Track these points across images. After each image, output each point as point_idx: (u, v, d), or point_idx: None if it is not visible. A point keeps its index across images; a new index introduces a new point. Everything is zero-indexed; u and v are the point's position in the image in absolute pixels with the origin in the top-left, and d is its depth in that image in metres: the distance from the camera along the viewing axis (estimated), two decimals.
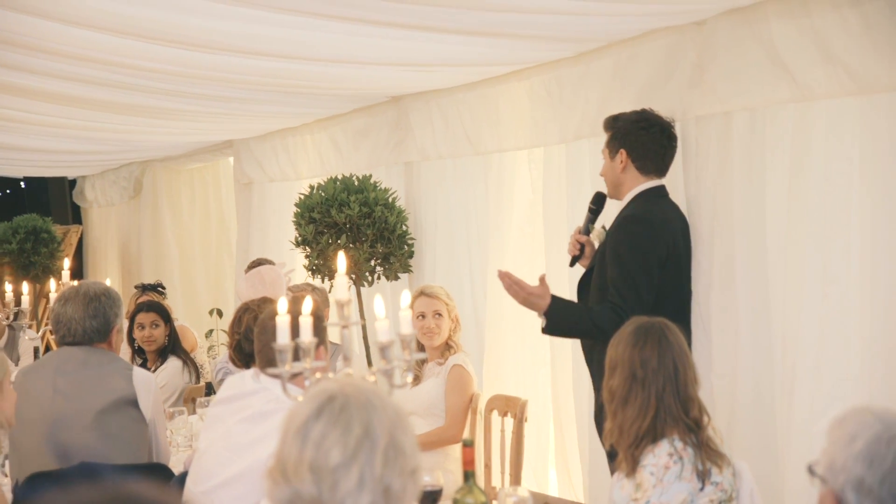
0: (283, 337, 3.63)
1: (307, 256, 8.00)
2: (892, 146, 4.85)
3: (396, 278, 7.98)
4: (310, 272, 8.01)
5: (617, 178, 5.57)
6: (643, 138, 5.50)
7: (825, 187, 5.09)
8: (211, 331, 12.05)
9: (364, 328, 7.76)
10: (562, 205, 6.83)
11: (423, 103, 8.07)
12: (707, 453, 4.05)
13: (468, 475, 3.99)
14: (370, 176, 8.04)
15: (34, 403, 5.11)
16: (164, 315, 8.07)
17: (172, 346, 8.05)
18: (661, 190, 5.57)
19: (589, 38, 6.24)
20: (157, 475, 5.01)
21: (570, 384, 6.74)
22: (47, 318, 6.38)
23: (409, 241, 8.00)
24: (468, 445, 4.00)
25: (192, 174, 13.28)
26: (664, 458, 4.01)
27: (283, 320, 3.65)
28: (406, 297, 3.75)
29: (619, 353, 4.12)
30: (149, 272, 12.72)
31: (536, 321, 7.32)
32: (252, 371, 4.69)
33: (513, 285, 5.46)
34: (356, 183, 7.91)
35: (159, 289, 9.21)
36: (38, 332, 9.45)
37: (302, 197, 8.03)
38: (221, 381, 6.66)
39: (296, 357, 3.68)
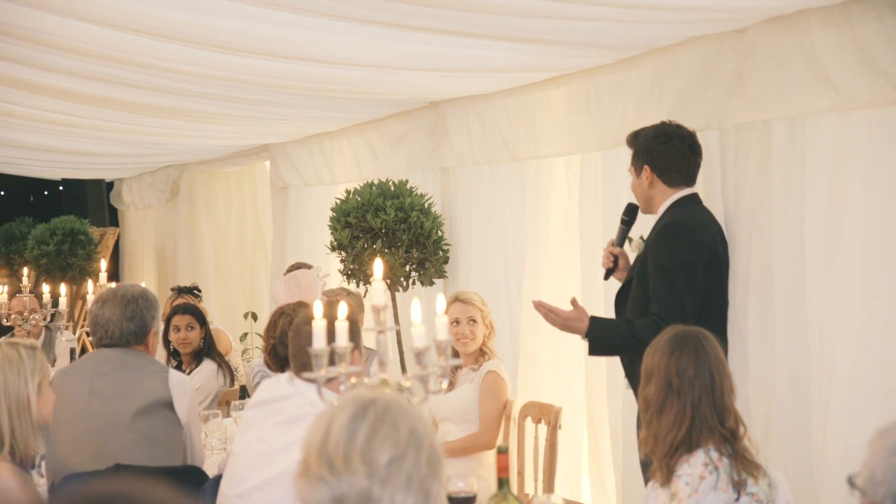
0: (318, 341, 3.63)
1: (342, 261, 8.01)
2: None
3: (431, 284, 7.97)
4: (345, 277, 8.02)
5: (646, 193, 5.57)
6: (665, 152, 5.49)
7: (865, 197, 5.04)
8: (245, 334, 12.08)
9: (399, 333, 7.76)
10: (598, 212, 6.81)
11: (460, 109, 8.06)
12: (743, 464, 4.02)
13: (502, 482, 3.99)
14: (406, 181, 8.04)
15: (71, 404, 5.14)
16: (200, 318, 8.10)
17: (207, 348, 8.08)
18: (695, 198, 5.55)
19: (628, 46, 6.22)
20: (191, 478, 5.02)
21: (604, 392, 6.72)
22: (84, 320, 6.41)
23: (445, 247, 8.00)
24: (502, 452, 3.99)
25: (229, 177, 13.33)
26: (699, 468, 3.98)
27: (318, 325, 3.64)
28: (441, 302, 3.74)
29: (656, 361, 4.10)
30: (184, 275, 12.77)
31: None
32: (287, 375, 4.69)
33: (548, 313, 5.48)
34: (392, 188, 7.91)
35: (195, 291, 9.24)
36: (74, 333, 9.52)
37: (338, 201, 8.04)
38: (258, 384, 6.67)
39: (331, 362, 3.68)
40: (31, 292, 8.65)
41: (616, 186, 6.62)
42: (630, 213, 5.75)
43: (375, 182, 8.02)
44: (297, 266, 7.79)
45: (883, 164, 5.01)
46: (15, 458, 4.27)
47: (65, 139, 10.77)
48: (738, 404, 4.18)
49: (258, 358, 7.29)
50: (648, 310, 5.33)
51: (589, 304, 6.71)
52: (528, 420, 6.55)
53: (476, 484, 4.21)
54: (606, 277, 5.85)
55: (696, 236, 5.37)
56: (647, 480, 4.42)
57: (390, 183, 7.97)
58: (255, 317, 12.08)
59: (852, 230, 5.07)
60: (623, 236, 5.77)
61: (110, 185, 15.26)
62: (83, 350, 10.11)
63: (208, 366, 7.99)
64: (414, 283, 7.97)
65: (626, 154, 6.39)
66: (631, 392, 5.54)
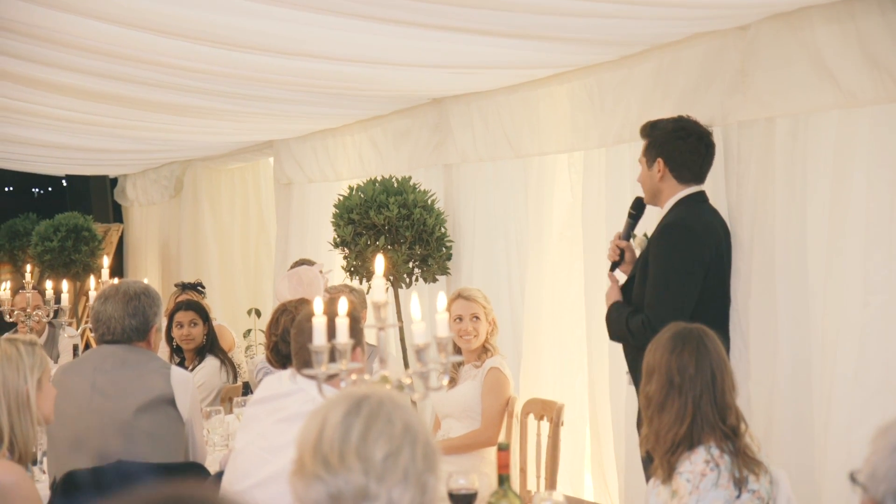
0: (319, 338, 3.62)
1: (345, 258, 8.01)
2: None
3: (434, 280, 7.97)
4: (348, 273, 8.02)
5: (655, 186, 5.55)
6: (681, 147, 5.46)
7: (867, 194, 5.04)
8: (249, 331, 12.09)
9: (401, 330, 7.76)
10: (601, 209, 6.81)
11: (463, 105, 8.06)
12: (744, 461, 4.01)
13: (503, 479, 3.98)
14: (409, 178, 8.04)
15: (72, 401, 5.14)
16: (203, 314, 8.10)
17: (210, 345, 8.08)
18: (702, 196, 5.53)
19: (631, 42, 6.21)
20: (192, 474, 5.01)
21: (606, 389, 6.72)
22: (87, 316, 6.42)
23: (448, 244, 8.00)
24: (503, 449, 3.99)
25: (233, 174, 13.34)
26: (701, 466, 3.98)
27: (319, 321, 3.64)
28: (442, 299, 3.73)
29: (657, 358, 4.09)
30: (188, 271, 12.78)
31: (574, 325, 7.35)
32: (289, 372, 4.69)
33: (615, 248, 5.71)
34: (395, 184, 7.91)
35: (199, 288, 9.24)
36: (77, 329, 9.53)
37: (341, 198, 8.05)
38: (261, 381, 6.68)
39: (332, 358, 3.67)
40: (34, 289, 8.66)
41: (619, 183, 6.62)
42: (638, 207, 5.73)
43: (378, 179, 8.02)
44: (302, 262, 7.79)
45: (885, 161, 5.01)
46: (14, 454, 4.26)
47: (69, 135, 10.78)
48: (739, 401, 4.18)
49: (261, 354, 7.29)
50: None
51: (592, 301, 6.76)
52: (531, 417, 6.55)
53: (477, 481, 4.21)
54: (612, 270, 5.85)
55: (698, 237, 5.36)
56: (648, 478, 4.42)
57: (393, 179, 7.97)
58: (258, 313, 12.09)
59: (855, 227, 5.07)
60: (630, 230, 5.76)
61: (114, 181, 15.28)
62: (87, 346, 10.12)
63: (211, 362, 7.99)
64: (417, 279, 7.97)
65: (630, 151, 6.40)
66: (633, 388, 5.54)
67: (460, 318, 6.61)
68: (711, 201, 5.66)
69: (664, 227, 5.45)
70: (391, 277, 7.88)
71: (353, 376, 3.67)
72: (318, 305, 3.73)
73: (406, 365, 7.60)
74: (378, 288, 3.74)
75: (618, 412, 6.54)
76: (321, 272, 7.20)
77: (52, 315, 8.27)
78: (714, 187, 5.80)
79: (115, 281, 5.79)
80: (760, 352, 5.45)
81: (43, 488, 5.09)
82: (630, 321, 5.40)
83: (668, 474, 4.07)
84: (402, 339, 7.90)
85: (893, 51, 4.76)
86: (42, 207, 15.27)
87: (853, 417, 5.00)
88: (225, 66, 7.03)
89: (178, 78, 7.50)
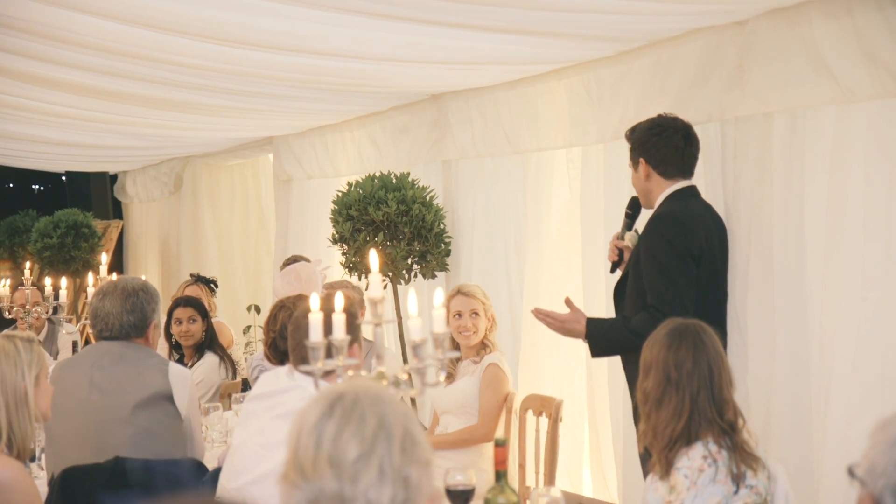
0: (315, 334, 3.62)
1: (344, 254, 8.01)
2: None
3: (433, 276, 7.98)
4: (346, 269, 8.02)
5: (644, 186, 5.57)
6: (659, 143, 5.49)
7: (865, 189, 5.04)
8: (249, 327, 12.09)
9: (401, 326, 7.76)
10: (599, 205, 6.81)
11: (462, 101, 8.06)
12: (742, 456, 4.01)
13: (500, 475, 3.98)
14: (408, 174, 8.04)
15: (70, 397, 5.14)
16: (202, 310, 8.10)
17: (209, 341, 8.08)
18: (692, 190, 5.54)
19: (629, 38, 6.21)
20: (191, 471, 5.02)
21: (605, 385, 6.72)
22: (86, 313, 6.43)
23: (447, 240, 8.00)
24: (500, 445, 3.99)
25: (232, 170, 13.35)
26: (698, 461, 3.98)
27: (315, 317, 3.64)
28: (440, 295, 3.73)
29: (654, 354, 4.09)
30: (188, 267, 12.77)
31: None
32: (286, 368, 4.69)
33: (546, 319, 5.51)
34: (394, 180, 7.91)
35: (212, 285, 9.26)
36: (79, 326, 9.53)
37: (340, 194, 8.04)
38: (257, 378, 6.68)
39: (329, 354, 3.67)
40: (33, 285, 8.66)
41: (617, 179, 6.62)
42: (634, 207, 5.76)
43: (377, 175, 8.02)
44: (294, 259, 7.79)
45: (883, 157, 5.01)
46: (13, 450, 4.27)
47: (69, 132, 10.78)
48: (738, 397, 4.18)
49: (261, 351, 7.29)
50: (645, 302, 5.33)
51: (591, 297, 6.74)
52: (530, 413, 6.55)
53: (475, 477, 4.20)
54: (612, 271, 5.86)
55: (686, 227, 5.36)
56: (646, 473, 4.42)
57: (392, 175, 7.97)
58: (258, 309, 12.09)
59: (852, 223, 5.07)
60: (627, 230, 5.77)
61: (114, 177, 15.27)
62: (86, 343, 10.12)
63: (210, 359, 7.99)
64: (416, 275, 7.97)
65: (627, 147, 6.40)
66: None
67: (459, 315, 6.61)
68: (710, 197, 5.67)
69: (652, 219, 5.47)
70: (390, 273, 7.88)
71: (350, 372, 3.67)
72: (315, 301, 3.73)
73: (405, 361, 7.61)
74: (374, 284, 3.74)
75: (616, 408, 6.54)
76: (318, 269, 7.20)
77: (51, 311, 8.28)
78: (711, 183, 5.81)
79: (114, 277, 5.79)
80: (758, 347, 5.45)
81: (41, 484, 5.09)
82: (629, 323, 5.36)
83: (666, 470, 4.07)
84: (402, 335, 7.90)
85: (891, 46, 4.76)
86: (42, 204, 15.27)
87: (851, 412, 5.00)
88: (224, 62, 7.03)
89: (177, 74, 7.50)
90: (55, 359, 8.66)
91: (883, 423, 2.67)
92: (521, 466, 6.58)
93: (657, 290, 5.28)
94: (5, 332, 4.88)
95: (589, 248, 6.92)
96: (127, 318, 5.31)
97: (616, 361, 5.98)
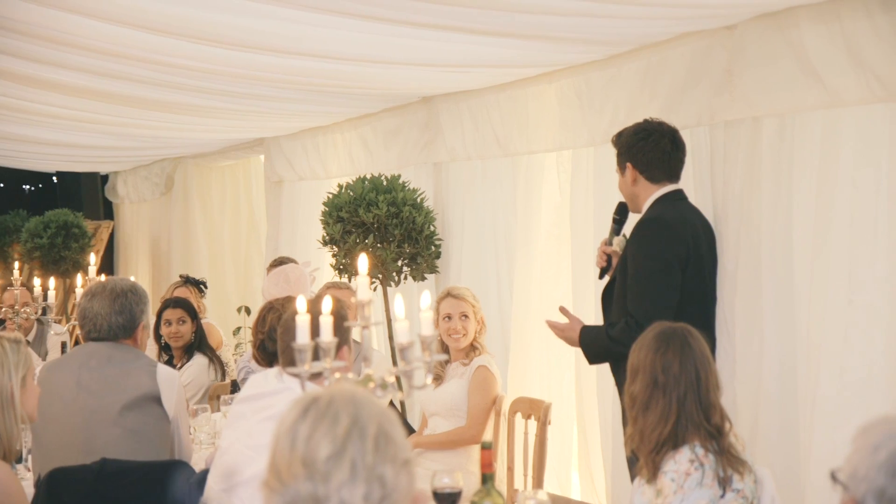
0: (302, 336, 3.62)
1: (334, 256, 8.01)
2: None
3: (423, 279, 7.98)
4: (336, 271, 8.02)
5: (631, 191, 5.59)
6: (645, 148, 5.51)
7: (853, 194, 5.05)
8: (239, 328, 12.08)
9: (390, 328, 7.75)
10: (589, 207, 6.81)
11: (453, 104, 8.07)
12: (728, 460, 4.02)
13: (486, 477, 3.98)
14: (399, 176, 8.05)
15: (58, 398, 5.13)
16: (191, 312, 8.09)
17: (199, 342, 8.07)
18: (678, 194, 5.55)
19: (619, 42, 6.22)
20: (178, 472, 5.01)
21: (594, 388, 6.73)
22: (76, 314, 6.42)
23: (437, 242, 8.00)
24: (486, 448, 3.99)
25: (224, 171, 13.34)
26: (685, 465, 3.98)
27: (302, 319, 3.64)
28: (427, 297, 3.73)
29: (641, 358, 4.10)
30: (178, 269, 12.76)
31: None
32: (275, 370, 4.68)
33: (552, 329, 5.65)
34: (385, 183, 7.92)
35: (202, 286, 9.24)
36: (68, 327, 9.51)
37: (330, 196, 8.04)
38: (244, 380, 6.67)
39: (317, 357, 3.67)
40: (22, 286, 8.64)
41: (607, 182, 6.61)
42: (622, 212, 5.77)
43: (368, 177, 8.02)
44: (282, 261, 7.79)
45: (870, 161, 5.02)
46: None
47: (60, 132, 10.77)
48: (725, 400, 4.19)
49: (248, 353, 7.28)
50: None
51: (580, 300, 6.75)
52: (518, 415, 6.55)
53: (462, 479, 4.20)
54: (601, 277, 5.87)
55: (672, 231, 5.37)
56: (633, 477, 4.43)
57: (383, 178, 7.97)
58: (248, 311, 12.08)
59: (840, 227, 5.08)
60: (615, 235, 5.79)
61: (105, 178, 15.25)
62: (75, 343, 10.10)
63: (199, 360, 7.98)
64: (406, 278, 7.97)
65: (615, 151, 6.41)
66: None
67: (449, 317, 6.61)
68: (698, 201, 5.68)
69: (638, 224, 5.50)
70: (380, 276, 7.88)
71: (337, 374, 3.67)
72: (301, 303, 3.73)
73: (395, 363, 7.60)
74: (363, 286, 3.74)
75: (605, 411, 6.55)
76: (307, 271, 7.20)
77: (40, 312, 8.26)
78: (700, 187, 5.82)
79: (103, 278, 5.78)
80: (746, 351, 5.46)
81: (28, 486, 5.09)
82: (610, 331, 5.42)
83: (653, 473, 4.08)
84: (392, 338, 7.90)
85: (879, 51, 4.78)
86: (33, 204, 15.25)
87: (838, 416, 5.00)
88: (216, 63, 7.03)
89: (169, 75, 7.50)
90: (44, 360, 8.64)
91: (865, 427, 2.69)
92: (510, 469, 6.58)
93: (636, 299, 5.32)
94: None
95: (578, 250, 6.92)
96: (115, 319, 5.29)
97: (604, 365, 5.99)
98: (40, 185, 16.71)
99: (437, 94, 8.23)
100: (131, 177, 14.52)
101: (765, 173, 5.42)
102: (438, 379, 6.61)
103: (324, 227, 8.03)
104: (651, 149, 5.50)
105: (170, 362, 7.91)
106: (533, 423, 6.39)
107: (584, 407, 6.95)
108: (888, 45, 4.75)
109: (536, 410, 6.36)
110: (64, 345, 7.97)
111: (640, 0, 5.22)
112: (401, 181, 7.99)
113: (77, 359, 5.30)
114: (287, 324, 4.57)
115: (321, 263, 8.74)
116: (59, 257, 13.09)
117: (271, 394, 4.61)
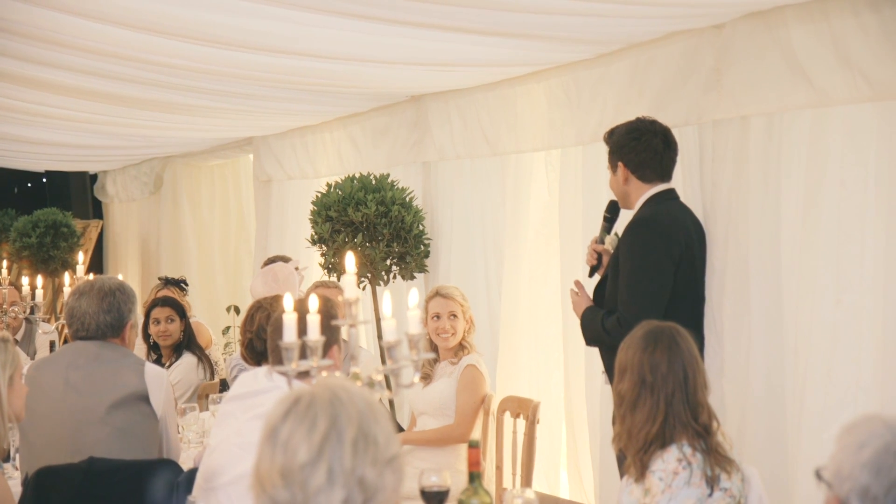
0: (289, 335, 3.62)
1: (323, 255, 8.00)
2: None
3: (412, 278, 7.98)
4: (325, 270, 8.02)
5: (622, 190, 5.60)
6: (637, 148, 5.51)
7: (841, 193, 5.07)
8: (228, 327, 12.07)
9: (379, 327, 7.75)
10: (577, 207, 6.82)
11: (442, 103, 8.07)
12: (716, 459, 4.03)
13: (473, 476, 3.98)
14: (388, 175, 8.04)
15: (46, 397, 5.12)
16: (180, 310, 8.08)
17: (187, 341, 8.06)
18: (671, 193, 5.56)
19: (607, 41, 6.23)
20: (166, 471, 5.01)
21: (582, 387, 6.73)
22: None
23: (426, 241, 8.00)
24: (474, 446, 3.99)
25: (213, 170, 13.33)
26: (673, 464, 3.99)
27: (289, 318, 3.64)
28: (414, 295, 3.74)
29: (629, 357, 4.10)
30: (168, 268, 12.75)
31: (550, 323, 7.35)
32: (265, 369, 4.67)
33: (574, 290, 5.78)
34: (373, 182, 7.92)
35: (182, 285, 9.22)
36: (56, 325, 9.49)
37: (319, 195, 8.04)
38: (236, 377, 6.66)
39: (304, 355, 3.67)
40: (10, 285, 8.63)
41: (595, 181, 6.63)
42: (612, 210, 5.78)
43: (357, 176, 8.02)
44: (275, 259, 7.78)
45: (858, 161, 5.04)
46: None
47: (49, 131, 10.75)
48: (713, 399, 4.20)
49: (238, 352, 7.28)
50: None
51: (569, 299, 6.71)
52: (507, 414, 6.55)
53: (450, 478, 4.20)
54: (591, 275, 5.88)
55: (665, 231, 5.39)
56: (622, 475, 4.43)
57: (372, 177, 7.97)
58: (237, 310, 12.06)
59: (827, 226, 5.10)
60: (605, 233, 5.79)
61: (94, 177, 15.22)
62: (64, 342, 10.08)
63: (188, 359, 7.98)
64: (395, 277, 7.97)
65: (606, 149, 6.41)
66: (609, 387, 5.56)
67: (438, 316, 6.61)
68: (686, 199, 5.69)
69: (632, 223, 5.50)
70: (369, 275, 7.88)
71: (325, 373, 3.67)
72: (289, 302, 3.72)
73: (384, 362, 7.60)
74: (350, 285, 3.74)
75: (593, 410, 6.56)
76: (297, 269, 7.19)
77: (28, 311, 8.25)
78: (689, 185, 5.83)
79: (91, 276, 5.77)
80: (734, 350, 5.47)
81: (15, 485, 5.08)
82: (605, 321, 5.44)
83: (641, 472, 4.09)
84: (380, 337, 7.90)
85: (866, 51, 4.79)
86: (21, 203, 15.20)
87: (826, 415, 5.02)
88: (205, 62, 7.02)
89: (158, 74, 7.49)
90: (33, 359, 8.62)
91: (849, 426, 2.69)
92: (499, 468, 6.58)
93: (625, 299, 5.35)
94: None
95: (567, 250, 6.93)
96: (103, 318, 5.29)
97: (593, 364, 6.00)
98: (29, 185, 16.66)
99: (425, 93, 8.23)
100: (120, 176, 14.49)
101: (753, 172, 5.43)
102: (427, 378, 6.61)
103: (312, 227, 8.03)
104: (643, 149, 5.50)
105: (158, 361, 7.90)
106: (522, 422, 6.39)
107: (573, 406, 6.95)
108: (876, 44, 4.76)
109: (525, 409, 6.36)
110: (53, 343, 7.96)
111: None
112: (390, 180, 7.98)
113: (65, 358, 5.29)
114: (276, 322, 4.57)
115: (310, 262, 8.73)
116: (48, 256, 13.06)
117: (261, 392, 4.60)
